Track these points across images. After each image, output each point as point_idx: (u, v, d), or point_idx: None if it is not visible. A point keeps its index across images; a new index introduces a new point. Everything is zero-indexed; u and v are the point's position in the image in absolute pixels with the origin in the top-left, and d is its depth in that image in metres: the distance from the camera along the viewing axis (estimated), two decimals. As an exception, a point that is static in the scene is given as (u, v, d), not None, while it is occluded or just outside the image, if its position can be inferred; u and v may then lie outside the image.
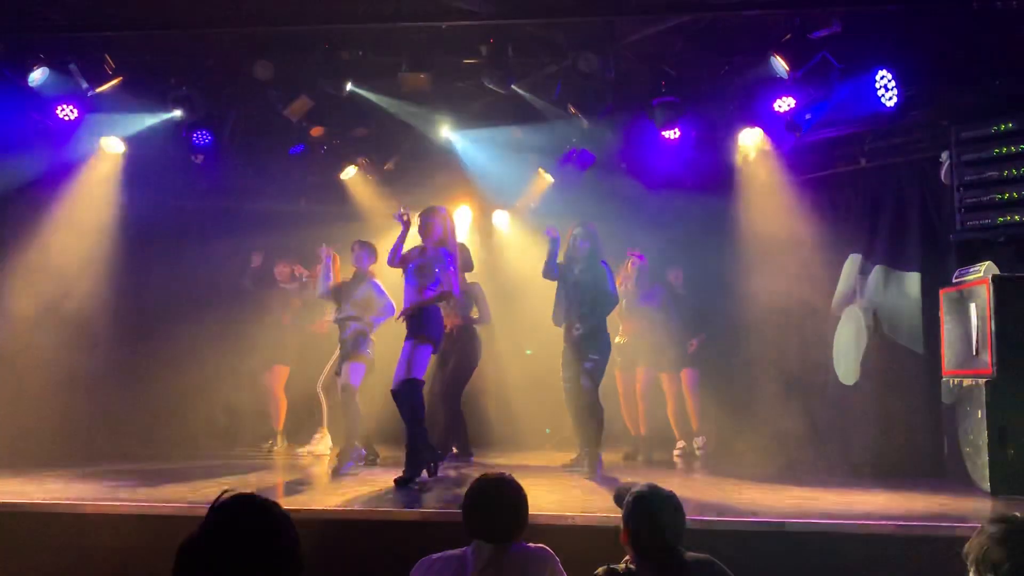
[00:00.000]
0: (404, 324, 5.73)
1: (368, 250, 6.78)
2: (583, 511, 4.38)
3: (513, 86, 6.63)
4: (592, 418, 6.15)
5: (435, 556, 2.79)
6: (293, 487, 5.70)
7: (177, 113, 7.07)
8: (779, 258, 7.35)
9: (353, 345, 6.51)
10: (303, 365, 7.78)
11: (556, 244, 6.37)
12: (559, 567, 2.78)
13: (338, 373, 6.57)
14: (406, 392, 5.52)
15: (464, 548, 2.78)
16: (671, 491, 2.79)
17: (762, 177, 7.22)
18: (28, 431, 6.80)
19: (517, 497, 2.84)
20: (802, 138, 6.48)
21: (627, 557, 2.73)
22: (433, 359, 6.16)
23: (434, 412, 6.62)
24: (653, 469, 6.75)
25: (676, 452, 7.45)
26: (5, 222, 7.21)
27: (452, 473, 6.15)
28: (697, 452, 7.38)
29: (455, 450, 7.06)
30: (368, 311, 6.56)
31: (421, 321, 5.66)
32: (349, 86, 6.84)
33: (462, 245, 7.22)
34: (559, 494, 5.17)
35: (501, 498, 2.82)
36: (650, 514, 2.69)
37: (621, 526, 2.75)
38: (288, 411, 7.92)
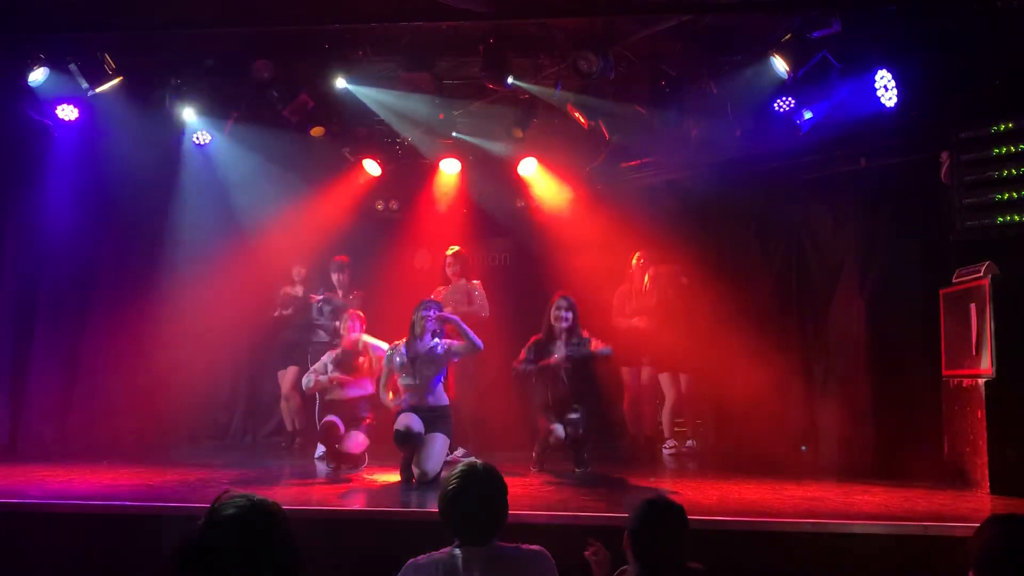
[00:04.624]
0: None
1: (360, 320, 6.64)
2: (580, 510, 4.38)
3: (515, 84, 6.64)
4: (578, 443, 6.07)
5: (422, 560, 2.62)
6: (292, 486, 5.69)
7: (177, 113, 7.09)
8: (779, 257, 7.36)
9: (354, 409, 6.44)
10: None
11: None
12: (555, 571, 2.67)
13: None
14: None
15: (448, 549, 2.63)
16: (680, 505, 2.77)
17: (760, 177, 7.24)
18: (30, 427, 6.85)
19: (499, 486, 2.65)
20: (802, 138, 6.48)
21: (626, 567, 2.72)
22: None
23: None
24: (652, 469, 6.74)
25: (667, 451, 7.44)
26: (7, 220, 7.24)
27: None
28: (684, 451, 7.36)
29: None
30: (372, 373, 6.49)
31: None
32: (344, 83, 6.86)
33: (457, 252, 7.23)
34: (559, 494, 5.17)
35: (485, 493, 2.62)
36: (653, 524, 2.67)
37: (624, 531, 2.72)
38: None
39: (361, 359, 6.48)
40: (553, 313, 6.18)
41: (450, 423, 5.86)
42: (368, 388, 6.47)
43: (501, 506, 2.66)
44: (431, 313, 5.85)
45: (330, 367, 6.48)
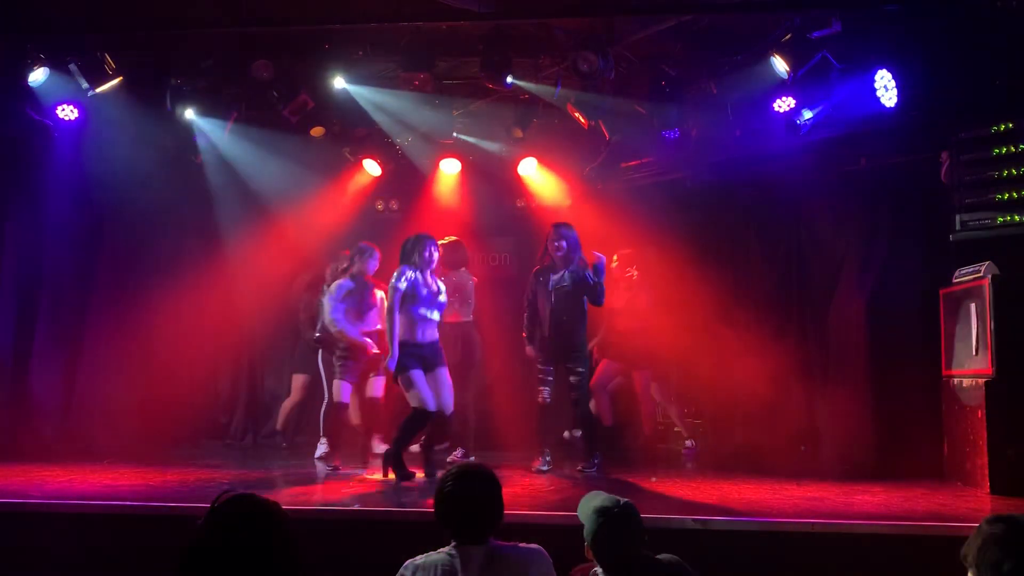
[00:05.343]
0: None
1: (375, 255, 6.64)
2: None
3: (515, 84, 6.64)
4: (590, 428, 6.24)
5: (420, 560, 2.63)
6: (292, 486, 5.69)
7: (178, 113, 7.09)
8: (779, 257, 7.36)
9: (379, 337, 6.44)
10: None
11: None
12: (551, 569, 2.68)
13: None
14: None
15: (446, 549, 2.64)
16: (627, 500, 2.74)
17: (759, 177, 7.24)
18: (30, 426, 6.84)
19: (494, 485, 2.68)
20: (802, 138, 6.48)
21: (594, 569, 2.72)
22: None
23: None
24: (652, 469, 6.73)
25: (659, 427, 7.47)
26: (7, 220, 7.24)
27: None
28: (683, 452, 7.36)
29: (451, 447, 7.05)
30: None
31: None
32: (344, 83, 6.86)
33: (457, 241, 7.22)
34: (559, 494, 5.17)
35: (481, 492, 2.65)
36: (611, 530, 2.64)
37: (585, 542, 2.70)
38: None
39: (374, 292, 6.53)
40: (549, 244, 6.23)
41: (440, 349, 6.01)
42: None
43: (497, 505, 2.67)
44: (433, 250, 5.95)
45: (341, 303, 6.43)
